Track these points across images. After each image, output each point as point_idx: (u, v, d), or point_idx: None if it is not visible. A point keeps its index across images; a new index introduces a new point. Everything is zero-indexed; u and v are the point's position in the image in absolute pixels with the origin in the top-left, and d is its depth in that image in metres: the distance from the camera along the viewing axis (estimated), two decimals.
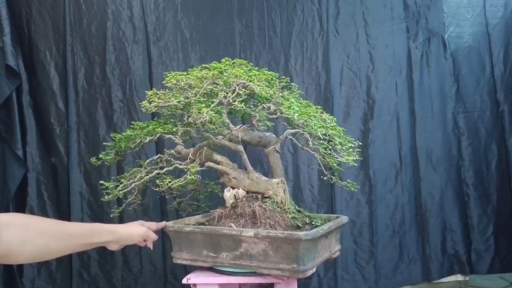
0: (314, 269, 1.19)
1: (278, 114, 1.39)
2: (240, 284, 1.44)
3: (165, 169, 1.38)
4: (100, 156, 1.47)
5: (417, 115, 2.42)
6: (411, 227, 2.37)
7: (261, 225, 1.26)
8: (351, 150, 1.40)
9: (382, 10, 2.44)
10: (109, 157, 1.47)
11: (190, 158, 1.38)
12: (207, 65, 1.40)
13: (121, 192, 1.34)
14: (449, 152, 2.46)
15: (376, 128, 2.37)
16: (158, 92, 1.38)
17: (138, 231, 1.24)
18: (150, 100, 1.34)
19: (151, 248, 1.33)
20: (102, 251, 2.07)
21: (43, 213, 2.08)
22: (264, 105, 1.41)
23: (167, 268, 2.12)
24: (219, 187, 1.64)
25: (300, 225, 1.31)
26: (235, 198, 1.39)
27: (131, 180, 1.38)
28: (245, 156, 1.40)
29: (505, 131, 2.44)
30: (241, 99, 1.31)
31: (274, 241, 1.16)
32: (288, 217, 1.31)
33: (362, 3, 2.42)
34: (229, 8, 2.31)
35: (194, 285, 1.29)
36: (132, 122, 1.53)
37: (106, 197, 1.35)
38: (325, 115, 1.47)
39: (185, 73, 1.39)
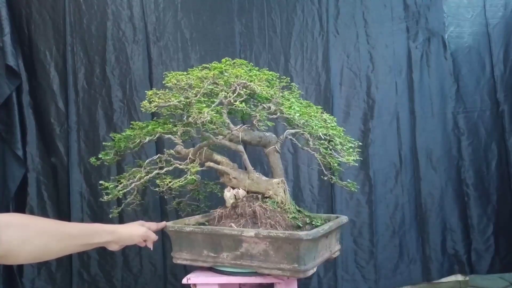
0: (315, 269, 1.19)
1: (279, 114, 1.39)
2: (240, 284, 1.44)
3: (164, 169, 1.38)
4: (100, 156, 1.47)
5: (417, 115, 2.42)
6: (411, 227, 2.37)
7: (262, 225, 1.26)
8: (351, 150, 1.40)
9: (382, 10, 2.44)
10: (108, 157, 1.47)
11: (190, 158, 1.38)
12: (208, 65, 1.40)
13: (120, 192, 1.34)
14: (449, 152, 2.46)
15: (376, 128, 2.37)
16: (158, 92, 1.37)
17: (138, 232, 1.24)
18: (150, 99, 1.34)
19: (151, 249, 1.33)
20: (102, 251, 2.07)
21: (43, 213, 2.08)
22: (264, 105, 1.41)
23: (167, 268, 2.12)
24: (219, 187, 1.64)
25: (301, 225, 1.31)
26: (235, 198, 1.39)
27: (131, 180, 1.38)
28: (245, 156, 1.40)
29: (505, 131, 2.44)
30: (242, 99, 1.31)
31: (275, 241, 1.16)
32: (288, 217, 1.31)
33: (362, 3, 2.42)
34: (229, 8, 2.31)
35: (194, 285, 1.29)
36: (131, 122, 1.52)
37: (105, 197, 1.35)
38: (326, 115, 1.47)
39: (185, 73, 1.39)
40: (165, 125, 1.42)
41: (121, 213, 1.96)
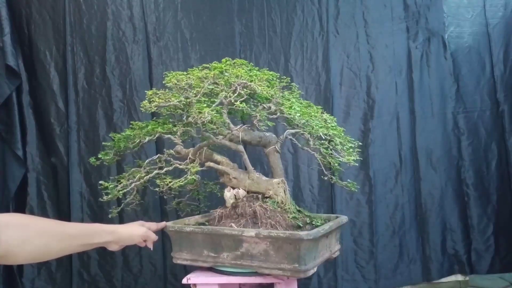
0: (315, 269, 1.19)
1: (279, 114, 1.39)
2: (240, 284, 1.44)
3: (164, 169, 1.37)
4: (99, 156, 1.47)
5: (417, 115, 2.42)
6: (411, 227, 2.37)
7: (262, 225, 1.26)
8: (351, 150, 1.40)
9: (382, 10, 2.44)
10: (108, 157, 1.47)
11: (190, 158, 1.38)
12: (208, 65, 1.40)
13: (120, 192, 1.34)
14: (449, 152, 2.46)
15: (376, 128, 2.37)
16: (158, 92, 1.37)
17: (138, 232, 1.24)
18: (151, 99, 1.34)
19: (151, 249, 1.32)
20: (102, 251, 2.07)
21: (43, 213, 2.08)
22: (264, 105, 1.41)
23: (167, 268, 2.12)
24: (218, 187, 1.64)
25: (301, 225, 1.31)
26: (236, 198, 1.39)
27: (130, 180, 1.38)
28: (245, 156, 1.40)
29: (505, 131, 2.44)
30: (243, 99, 1.31)
31: (276, 241, 1.16)
32: (289, 217, 1.31)
33: (362, 3, 2.42)
34: (229, 8, 2.31)
35: (194, 285, 1.29)
36: (131, 122, 1.52)
37: (104, 197, 1.35)
38: (326, 115, 1.47)
39: (185, 73, 1.39)
40: (165, 125, 1.42)
41: (121, 213, 1.96)
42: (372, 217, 2.31)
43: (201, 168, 1.36)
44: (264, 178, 1.41)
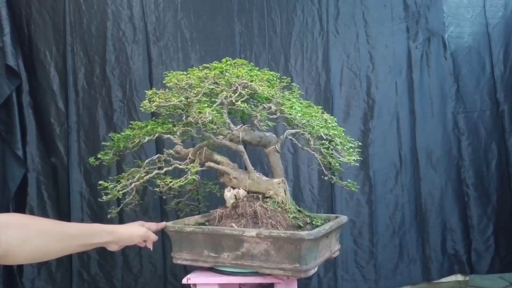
0: (316, 269, 1.19)
1: (279, 114, 1.39)
2: (240, 284, 1.43)
3: (164, 169, 1.37)
4: (99, 156, 1.47)
5: (417, 115, 2.42)
6: (411, 227, 2.37)
7: (263, 225, 1.26)
8: (351, 150, 1.40)
9: (382, 10, 2.44)
10: (107, 157, 1.47)
11: (189, 158, 1.38)
12: (208, 65, 1.40)
13: (120, 192, 1.34)
14: (449, 152, 2.46)
15: (376, 128, 2.37)
16: (158, 92, 1.37)
17: (138, 232, 1.24)
18: (151, 99, 1.34)
19: (151, 249, 1.32)
20: (102, 251, 2.07)
21: (43, 213, 2.08)
22: (264, 105, 1.41)
23: (167, 268, 2.12)
24: (217, 187, 1.64)
25: (302, 225, 1.31)
26: (236, 198, 1.39)
27: (130, 181, 1.37)
28: (246, 156, 1.39)
29: (505, 131, 2.45)
30: (244, 99, 1.31)
31: (276, 241, 1.16)
32: (289, 217, 1.31)
33: (362, 3, 2.42)
34: (229, 8, 2.31)
35: (194, 285, 1.29)
36: (130, 122, 1.52)
37: (104, 197, 1.35)
38: (326, 115, 1.46)
39: (185, 72, 1.39)
40: (164, 125, 1.42)
41: (121, 213, 1.96)
42: (372, 217, 2.31)
43: (201, 168, 1.36)
44: (264, 178, 1.41)
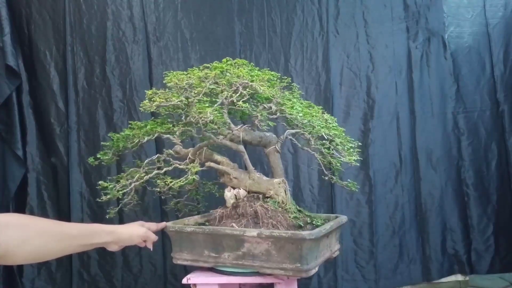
0: (317, 269, 1.20)
1: (279, 114, 1.39)
2: (240, 284, 1.43)
3: (164, 169, 1.37)
4: (98, 156, 1.47)
5: (417, 115, 2.42)
6: (411, 227, 2.37)
7: (264, 225, 1.26)
8: (351, 150, 1.40)
9: (382, 10, 2.44)
10: (106, 157, 1.47)
11: (189, 158, 1.38)
12: (209, 65, 1.40)
13: (120, 192, 1.34)
14: (449, 152, 2.46)
15: (376, 128, 2.37)
16: (157, 92, 1.37)
17: (138, 232, 1.24)
18: (151, 98, 1.34)
19: (151, 249, 1.32)
20: (102, 251, 2.07)
21: (43, 213, 2.08)
22: (265, 105, 1.41)
23: (167, 268, 2.12)
24: (216, 187, 1.63)
25: (302, 225, 1.31)
26: (236, 198, 1.39)
27: (130, 181, 1.37)
28: (246, 156, 1.39)
29: (505, 131, 2.44)
30: (245, 99, 1.31)
31: (278, 240, 1.16)
32: (290, 217, 1.31)
33: (362, 3, 2.41)
34: (229, 8, 2.31)
35: (194, 285, 1.28)
36: (130, 122, 1.52)
37: (103, 197, 1.34)
38: (326, 116, 1.46)
39: (186, 72, 1.39)
40: (164, 125, 1.42)
41: (121, 213, 1.97)
42: (372, 217, 2.31)
43: (201, 168, 1.36)
44: (264, 178, 1.41)
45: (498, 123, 2.47)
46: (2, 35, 2.02)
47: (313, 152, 1.40)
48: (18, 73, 2.08)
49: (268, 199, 1.35)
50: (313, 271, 1.17)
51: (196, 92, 1.30)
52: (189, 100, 1.31)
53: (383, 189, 2.35)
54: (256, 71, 1.39)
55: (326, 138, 1.36)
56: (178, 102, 1.32)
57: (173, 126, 1.42)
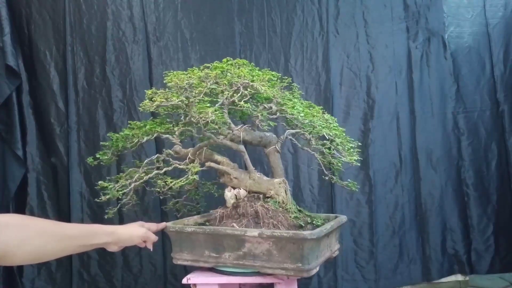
0: (317, 268, 1.20)
1: (279, 114, 1.39)
2: (240, 284, 1.43)
3: (164, 169, 1.37)
4: (97, 156, 1.46)
5: (417, 115, 2.42)
6: (411, 227, 2.37)
7: (264, 225, 1.26)
8: (351, 150, 1.40)
9: (382, 10, 2.44)
10: (106, 157, 1.47)
11: (189, 158, 1.38)
12: (209, 65, 1.40)
13: (119, 192, 1.34)
14: (449, 152, 2.46)
15: (376, 128, 2.37)
16: (157, 92, 1.37)
17: (138, 232, 1.23)
18: (152, 98, 1.34)
19: (151, 249, 1.32)
20: (102, 251, 2.06)
21: (43, 213, 2.08)
22: (265, 105, 1.41)
23: (167, 268, 2.12)
24: (215, 187, 1.63)
25: (303, 225, 1.31)
26: (236, 198, 1.39)
27: (129, 181, 1.37)
28: (246, 156, 1.39)
29: (505, 131, 2.45)
30: (246, 99, 1.31)
31: (279, 240, 1.16)
32: (290, 217, 1.31)
33: (362, 3, 2.41)
34: (229, 8, 2.31)
35: (194, 285, 1.28)
36: (129, 122, 1.52)
37: (102, 197, 1.34)
38: (327, 116, 1.46)
39: (186, 72, 1.38)
40: (163, 125, 1.42)
41: (121, 213, 1.97)
42: (372, 217, 2.31)
43: (202, 168, 1.36)
44: (265, 178, 1.41)
45: (498, 123, 2.47)
46: (2, 35, 2.02)
47: (313, 152, 1.40)
48: (18, 73, 2.08)
49: (269, 199, 1.35)
50: (314, 271, 1.17)
51: (196, 92, 1.30)
52: (190, 100, 1.31)
53: (383, 189, 2.35)
54: (256, 71, 1.39)
55: (327, 138, 1.36)
56: (179, 102, 1.31)
57: (173, 126, 1.42)
